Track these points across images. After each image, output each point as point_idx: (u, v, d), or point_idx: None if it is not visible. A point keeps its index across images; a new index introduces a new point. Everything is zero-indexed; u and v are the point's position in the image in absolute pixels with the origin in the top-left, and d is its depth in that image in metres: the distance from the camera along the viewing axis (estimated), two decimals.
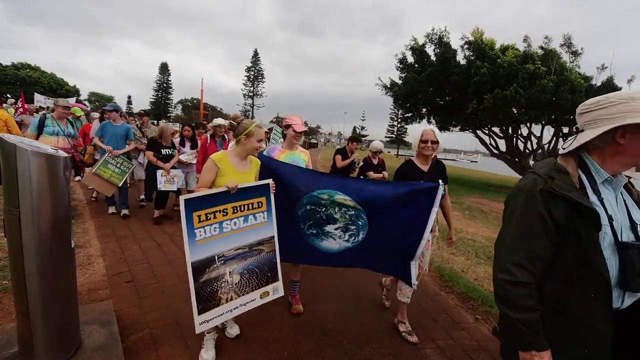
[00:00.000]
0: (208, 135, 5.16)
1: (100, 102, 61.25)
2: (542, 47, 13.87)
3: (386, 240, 2.47)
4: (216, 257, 2.01)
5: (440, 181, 2.29)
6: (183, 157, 5.38)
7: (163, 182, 4.99)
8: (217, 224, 2.00)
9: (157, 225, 4.95)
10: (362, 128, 68.35)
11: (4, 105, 8.30)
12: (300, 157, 2.81)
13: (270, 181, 2.28)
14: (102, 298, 2.83)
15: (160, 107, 58.11)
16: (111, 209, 5.31)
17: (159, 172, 4.95)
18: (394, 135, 59.72)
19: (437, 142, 2.50)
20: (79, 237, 4.12)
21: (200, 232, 1.93)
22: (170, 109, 61.19)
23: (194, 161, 5.39)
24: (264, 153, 2.70)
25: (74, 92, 47.81)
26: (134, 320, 2.56)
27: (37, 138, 4.30)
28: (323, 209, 2.51)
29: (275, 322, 2.70)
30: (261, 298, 2.26)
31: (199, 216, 1.92)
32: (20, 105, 10.33)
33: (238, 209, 2.11)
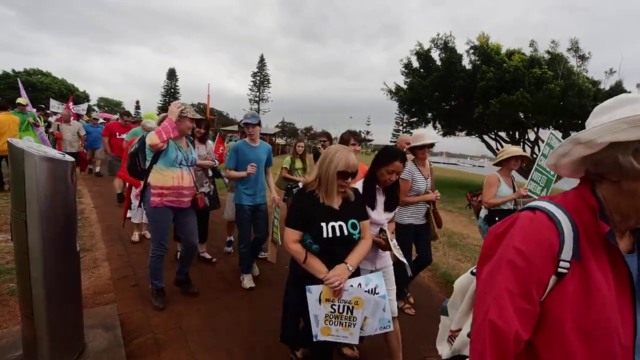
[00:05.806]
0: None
1: (109, 107, 62.15)
2: (548, 52, 13.79)
3: None
4: None
5: None
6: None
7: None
8: None
9: None
10: (368, 132, 68.66)
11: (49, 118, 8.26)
12: None
13: None
14: (107, 301, 2.84)
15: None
16: (248, 282, 3.33)
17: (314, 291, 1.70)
18: None
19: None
20: (85, 240, 4.16)
21: None
22: None
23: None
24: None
25: (84, 97, 48.47)
26: (138, 324, 2.56)
27: (147, 170, 2.70)
28: None
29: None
30: None
31: None
32: (65, 108, 10.01)
33: None
